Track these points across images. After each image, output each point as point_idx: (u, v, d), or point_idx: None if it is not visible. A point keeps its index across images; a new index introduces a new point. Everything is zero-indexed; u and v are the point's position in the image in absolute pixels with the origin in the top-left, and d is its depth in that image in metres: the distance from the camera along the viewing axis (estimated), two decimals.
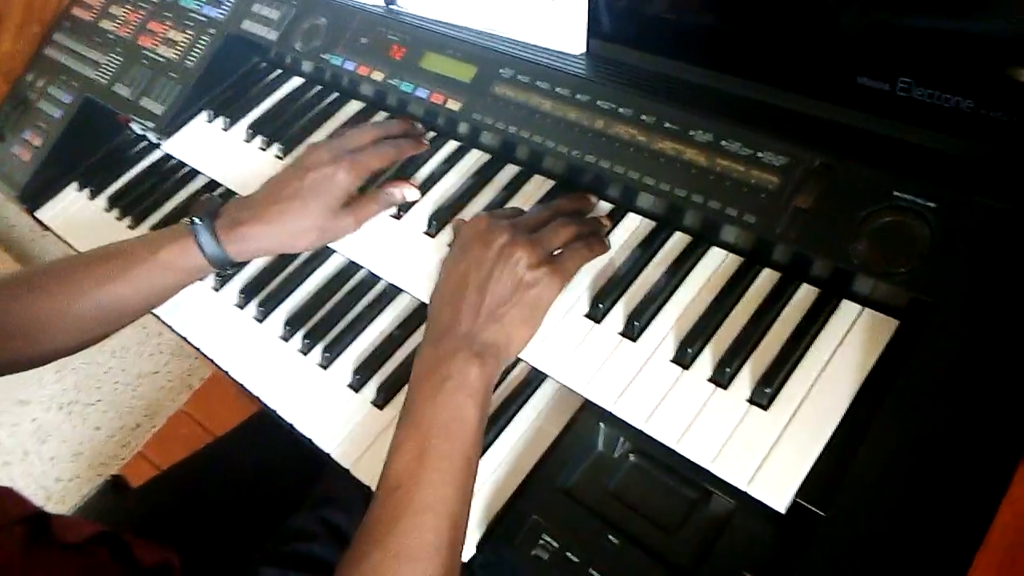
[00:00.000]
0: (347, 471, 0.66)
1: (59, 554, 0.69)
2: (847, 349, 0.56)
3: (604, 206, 0.70)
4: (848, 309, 0.58)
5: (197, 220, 0.72)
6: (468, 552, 0.60)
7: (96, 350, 2.46)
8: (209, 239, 0.72)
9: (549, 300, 0.63)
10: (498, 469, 0.64)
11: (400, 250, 0.73)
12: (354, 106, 0.87)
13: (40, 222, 0.99)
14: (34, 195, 1.00)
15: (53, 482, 2.04)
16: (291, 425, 0.71)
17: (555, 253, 0.64)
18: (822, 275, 0.59)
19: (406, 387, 0.62)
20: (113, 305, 0.75)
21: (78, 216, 0.97)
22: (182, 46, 0.95)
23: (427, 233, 0.74)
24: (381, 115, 0.85)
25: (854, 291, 0.58)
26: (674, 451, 0.56)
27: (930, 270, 0.52)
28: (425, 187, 0.77)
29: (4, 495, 0.69)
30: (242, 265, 0.81)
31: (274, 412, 0.73)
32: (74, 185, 1.00)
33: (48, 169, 1.00)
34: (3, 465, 2.13)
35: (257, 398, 0.74)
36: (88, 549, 0.71)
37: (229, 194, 0.90)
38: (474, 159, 0.78)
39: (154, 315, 0.82)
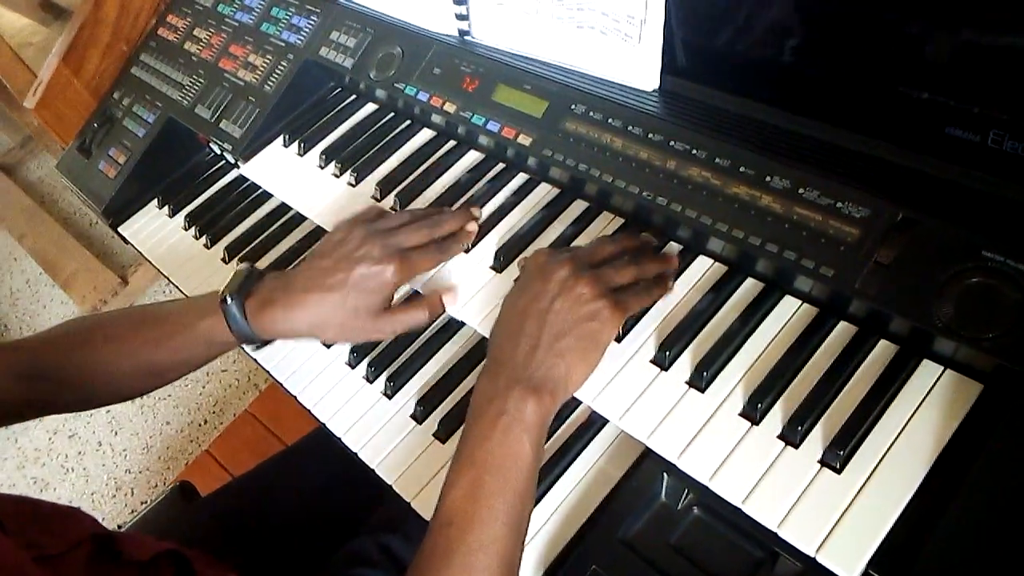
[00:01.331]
0: None
1: (125, 573, 0.71)
2: (927, 412, 0.54)
3: (674, 247, 0.69)
4: (929, 369, 0.55)
5: (228, 298, 0.71)
6: None
7: None
8: (237, 318, 0.71)
9: (608, 337, 0.62)
10: (557, 513, 0.63)
11: (466, 283, 0.74)
12: (426, 134, 0.88)
13: (122, 237, 1.03)
14: (117, 211, 1.04)
15: (124, 473, 2.13)
16: (355, 453, 0.72)
17: (616, 290, 0.63)
18: (902, 332, 0.57)
19: None
20: (152, 368, 0.77)
21: (158, 232, 1.00)
22: (261, 70, 0.97)
23: (493, 267, 0.74)
24: (450, 144, 0.86)
25: (936, 351, 0.55)
26: (740, 511, 0.54)
27: (1021, 337, 0.50)
28: (493, 221, 0.77)
29: (70, 516, 0.71)
30: (273, 340, 0.77)
31: (338, 439, 0.74)
32: (155, 202, 1.04)
33: (131, 186, 1.04)
34: (78, 455, 2.22)
35: (322, 424, 0.76)
36: (153, 566, 0.74)
37: (300, 219, 0.92)
38: (543, 192, 0.78)
39: None
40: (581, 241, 0.72)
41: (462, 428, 0.61)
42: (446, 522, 0.56)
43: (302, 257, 0.82)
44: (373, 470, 0.71)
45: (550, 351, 0.60)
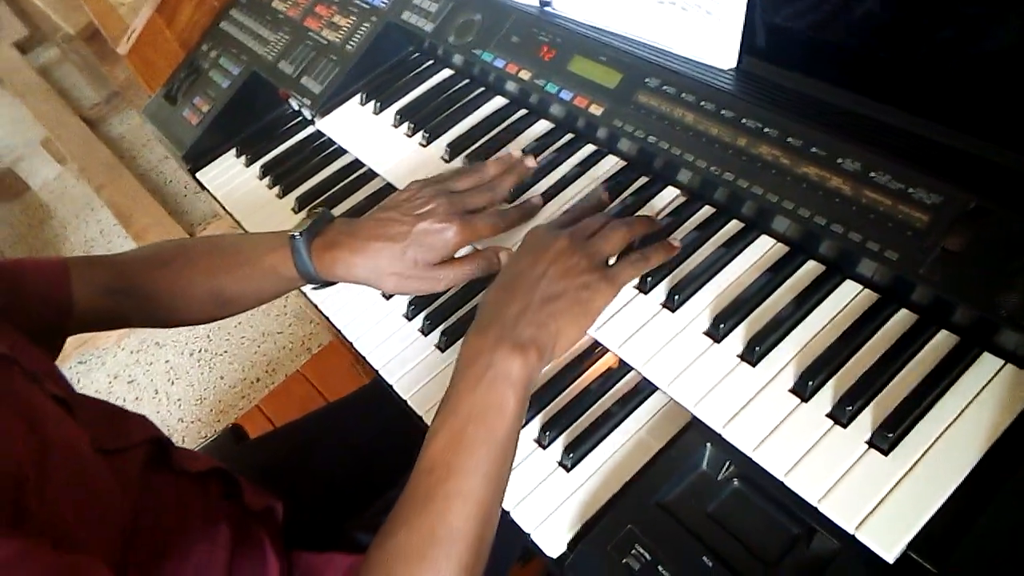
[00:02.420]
0: None
1: (175, 480, 0.75)
2: (982, 403, 0.53)
3: (736, 224, 0.69)
4: (988, 362, 0.55)
5: (297, 235, 0.74)
6: (558, 549, 0.61)
7: None
8: (303, 256, 0.74)
9: (600, 304, 0.64)
10: (595, 475, 0.64)
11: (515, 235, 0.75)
12: (498, 101, 0.90)
13: (199, 182, 1.07)
14: (196, 157, 1.08)
15: (176, 422, 2.20)
16: (404, 400, 0.74)
17: (612, 261, 0.65)
18: (963, 323, 0.56)
19: None
20: (222, 295, 0.81)
21: (233, 180, 1.04)
22: (344, 30, 1.00)
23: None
24: (521, 112, 0.87)
25: (997, 344, 0.54)
26: (781, 485, 0.55)
27: None
28: (557, 190, 0.78)
29: (135, 420, 0.76)
30: (333, 282, 0.79)
31: (389, 386, 0.76)
32: (232, 151, 1.08)
33: (211, 134, 1.08)
34: (135, 400, 2.31)
35: (375, 371, 0.78)
36: (203, 481, 0.77)
37: (369, 176, 0.95)
38: (608, 165, 0.78)
39: None
40: (641, 214, 0.73)
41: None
42: (427, 469, 0.57)
43: (370, 212, 0.84)
44: (420, 418, 0.73)
45: (540, 312, 0.61)
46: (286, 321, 2.34)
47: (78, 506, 0.58)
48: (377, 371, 0.78)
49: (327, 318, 0.84)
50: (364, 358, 0.79)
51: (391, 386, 0.76)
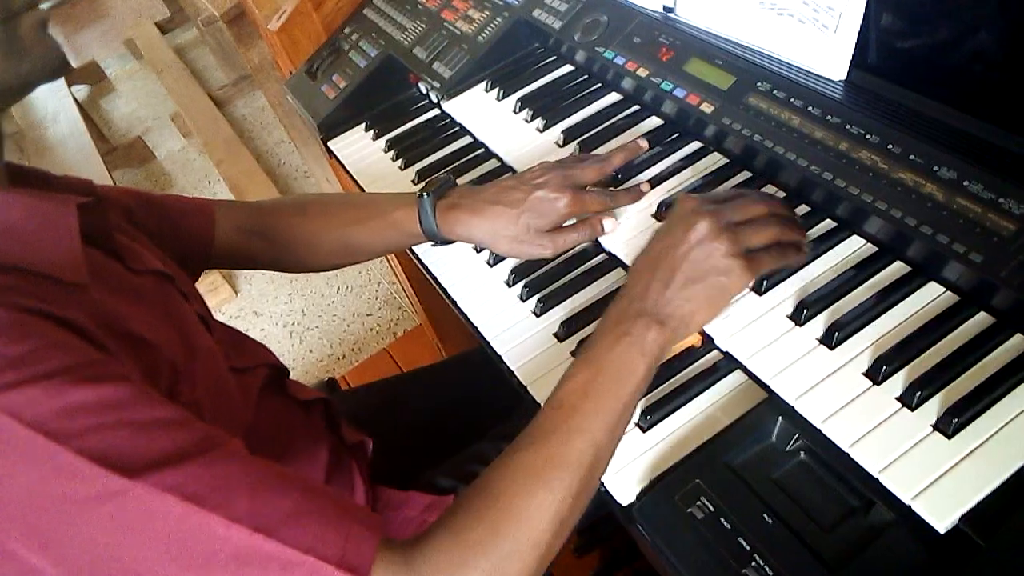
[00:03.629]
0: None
1: (287, 404, 0.84)
2: None
3: (828, 223, 0.74)
4: None
5: (424, 195, 0.83)
6: (628, 497, 0.66)
7: (325, 284, 2.74)
8: (428, 213, 0.83)
9: (735, 291, 0.67)
10: (668, 438, 0.69)
11: (626, 226, 0.81)
12: (613, 97, 0.96)
13: (330, 150, 1.17)
14: (329, 127, 1.19)
15: None
16: (500, 357, 0.81)
17: (752, 250, 0.67)
18: None
19: None
20: (348, 244, 0.91)
21: (361, 151, 1.14)
22: (477, 23, 1.09)
23: (653, 216, 0.81)
24: (634, 107, 0.94)
25: None
26: (845, 459, 0.59)
27: None
28: (662, 178, 0.84)
29: (258, 345, 0.85)
30: (452, 241, 0.86)
31: (487, 343, 0.82)
32: (362, 125, 1.18)
33: (345, 108, 1.18)
34: None
35: (476, 328, 0.85)
36: (308, 409, 0.86)
37: (485, 157, 1.03)
38: (712, 161, 0.84)
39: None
40: None
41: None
42: (557, 404, 0.63)
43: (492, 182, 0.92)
44: (512, 373, 0.79)
45: (679, 292, 0.66)
46: (376, 305, 2.46)
47: (214, 409, 0.67)
48: (477, 328, 0.84)
49: (435, 278, 0.92)
50: (464, 321, 0.86)
51: (488, 342, 0.82)
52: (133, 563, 0.49)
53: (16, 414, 0.47)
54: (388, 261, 1.98)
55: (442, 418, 1.07)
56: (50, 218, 0.60)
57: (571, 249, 0.85)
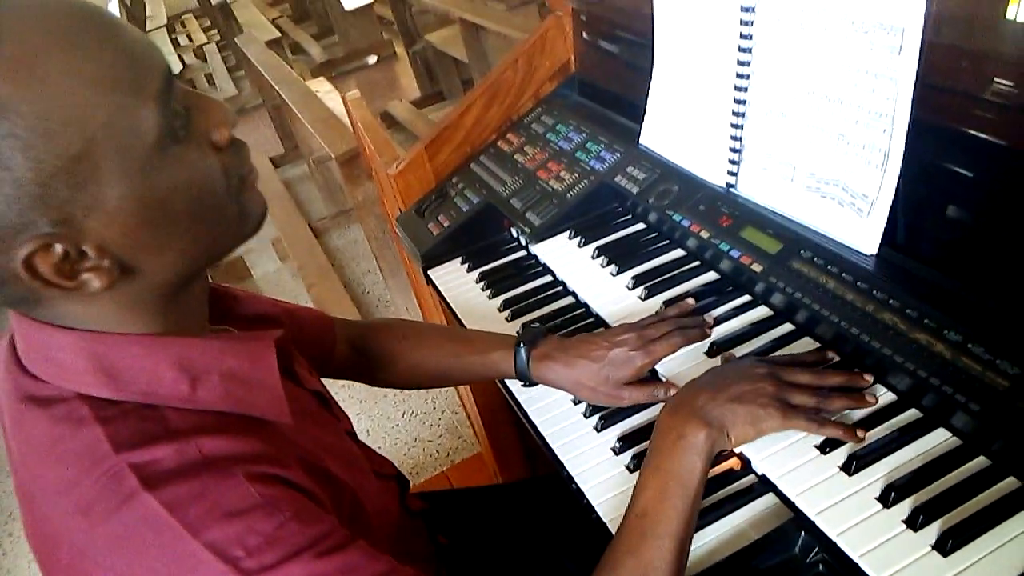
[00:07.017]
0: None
1: (410, 517, 0.95)
2: None
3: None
4: None
5: (522, 344, 0.96)
6: None
7: (393, 407, 2.87)
8: (523, 359, 0.96)
9: (768, 428, 0.78)
10: (699, 549, 0.78)
11: (679, 358, 0.95)
12: (678, 252, 1.13)
13: (429, 279, 1.36)
14: (430, 258, 1.38)
15: None
16: (577, 486, 0.88)
17: (794, 403, 0.79)
18: None
19: None
20: (446, 372, 1.05)
21: (455, 280, 1.32)
22: (567, 183, 1.29)
23: (705, 353, 0.94)
24: (695, 263, 1.09)
25: None
26: (855, 566, 0.68)
27: None
28: (716, 326, 0.98)
29: (382, 457, 0.96)
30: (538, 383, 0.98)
31: (567, 473, 0.90)
32: (459, 259, 1.37)
33: (446, 244, 1.37)
34: None
35: (552, 451, 0.94)
36: (421, 518, 0.97)
37: (563, 294, 1.19)
38: (759, 314, 0.98)
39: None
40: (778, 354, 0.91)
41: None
42: (640, 513, 0.74)
43: (579, 336, 0.99)
44: (584, 495, 0.88)
45: (725, 404, 0.78)
46: (438, 432, 2.58)
47: (378, 519, 0.77)
48: (554, 452, 0.93)
49: (525, 413, 1.01)
50: (541, 444, 0.96)
51: (563, 464, 0.91)
52: None
53: None
54: (457, 392, 2.12)
55: (513, 534, 1.13)
56: (256, 359, 0.64)
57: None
